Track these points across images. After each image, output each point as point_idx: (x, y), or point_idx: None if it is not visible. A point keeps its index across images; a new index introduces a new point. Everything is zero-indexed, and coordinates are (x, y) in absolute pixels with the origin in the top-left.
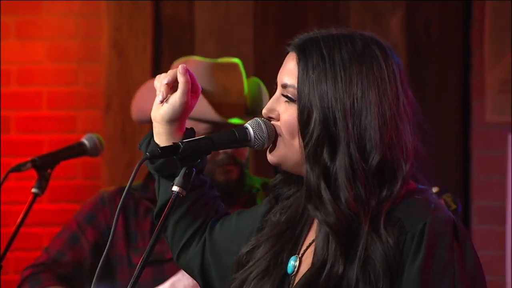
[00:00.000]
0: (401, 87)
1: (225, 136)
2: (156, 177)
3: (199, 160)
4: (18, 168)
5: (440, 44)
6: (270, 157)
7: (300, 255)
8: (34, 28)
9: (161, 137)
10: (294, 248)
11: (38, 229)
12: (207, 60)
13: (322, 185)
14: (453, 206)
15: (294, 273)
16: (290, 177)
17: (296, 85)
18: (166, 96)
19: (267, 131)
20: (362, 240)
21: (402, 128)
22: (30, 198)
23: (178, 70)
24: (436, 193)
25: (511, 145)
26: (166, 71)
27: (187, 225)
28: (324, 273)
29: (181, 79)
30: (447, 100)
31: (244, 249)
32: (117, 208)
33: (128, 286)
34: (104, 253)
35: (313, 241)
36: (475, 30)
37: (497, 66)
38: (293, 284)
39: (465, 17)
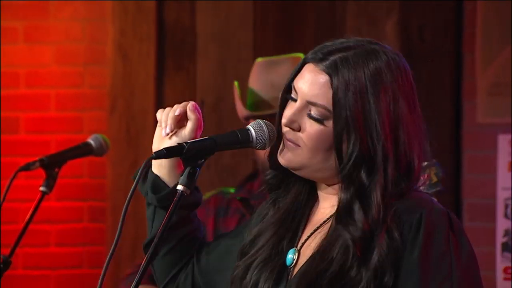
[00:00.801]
0: (417, 99)
1: (228, 137)
2: (151, 208)
3: (203, 160)
4: (26, 167)
5: (433, 48)
6: (283, 161)
7: (298, 248)
8: (42, 33)
9: (162, 170)
10: (293, 239)
11: (46, 226)
12: (270, 57)
13: (357, 205)
14: (434, 179)
15: (292, 265)
16: (283, 180)
17: (330, 107)
18: (174, 129)
19: (269, 132)
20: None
21: (423, 139)
22: (38, 196)
23: (188, 107)
24: (423, 167)
25: (500, 145)
26: (170, 75)
27: (174, 261)
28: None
29: (192, 116)
30: (440, 102)
31: (248, 238)
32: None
33: (133, 285)
34: (113, 246)
35: (311, 234)
36: (466, 35)
37: (487, 70)
38: (291, 275)
39: (457, 22)
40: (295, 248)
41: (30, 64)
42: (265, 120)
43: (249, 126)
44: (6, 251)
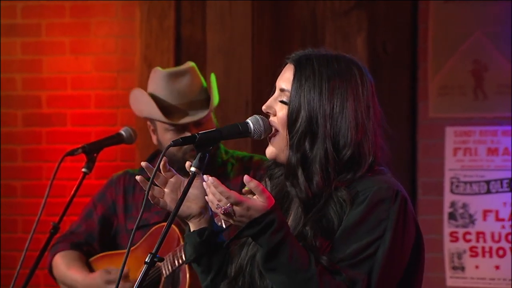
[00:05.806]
0: (372, 99)
1: (231, 129)
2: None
3: (211, 147)
4: (72, 153)
5: (394, 59)
6: (267, 153)
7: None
8: (84, 46)
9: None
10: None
11: (87, 199)
12: (167, 69)
13: (299, 170)
14: None
15: None
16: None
17: (290, 90)
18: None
19: (264, 125)
20: (321, 202)
21: (370, 131)
22: (80, 176)
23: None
24: None
25: (447, 135)
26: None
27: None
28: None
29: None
30: (399, 101)
31: None
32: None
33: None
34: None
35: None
36: (420, 48)
37: (437, 75)
38: None
39: (413, 38)
40: None
41: (75, 71)
42: (262, 116)
43: (248, 120)
44: (55, 219)
